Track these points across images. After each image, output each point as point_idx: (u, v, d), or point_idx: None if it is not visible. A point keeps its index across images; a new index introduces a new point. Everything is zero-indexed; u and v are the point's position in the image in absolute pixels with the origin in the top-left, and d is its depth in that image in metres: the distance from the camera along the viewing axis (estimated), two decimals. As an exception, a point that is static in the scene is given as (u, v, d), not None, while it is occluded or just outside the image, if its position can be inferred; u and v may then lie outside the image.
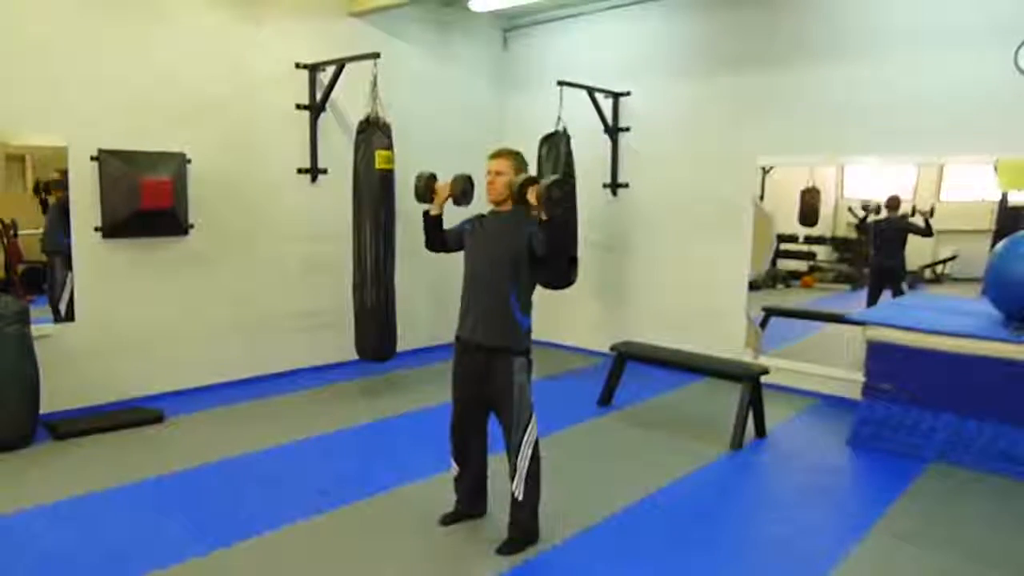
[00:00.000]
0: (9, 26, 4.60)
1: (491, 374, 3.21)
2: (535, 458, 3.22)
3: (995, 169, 4.89)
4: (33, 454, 4.29)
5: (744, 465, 4.42)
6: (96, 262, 5.02)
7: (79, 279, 4.97)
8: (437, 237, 3.40)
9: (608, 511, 3.64)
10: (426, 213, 3.39)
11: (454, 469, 3.47)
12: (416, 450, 4.43)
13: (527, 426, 3.19)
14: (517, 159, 3.29)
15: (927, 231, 5.82)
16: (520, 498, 3.21)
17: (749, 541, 3.47)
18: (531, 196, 3.07)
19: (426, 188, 3.34)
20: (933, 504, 3.84)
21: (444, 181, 3.35)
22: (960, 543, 3.42)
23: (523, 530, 3.26)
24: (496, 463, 3.47)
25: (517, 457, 3.19)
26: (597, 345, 6.77)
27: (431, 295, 6.91)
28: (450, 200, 3.35)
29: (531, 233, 3.10)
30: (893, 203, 5.96)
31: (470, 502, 3.51)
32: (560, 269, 3.17)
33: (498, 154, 3.29)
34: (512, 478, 3.21)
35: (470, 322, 3.26)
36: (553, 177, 3.22)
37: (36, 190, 4.90)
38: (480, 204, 3.33)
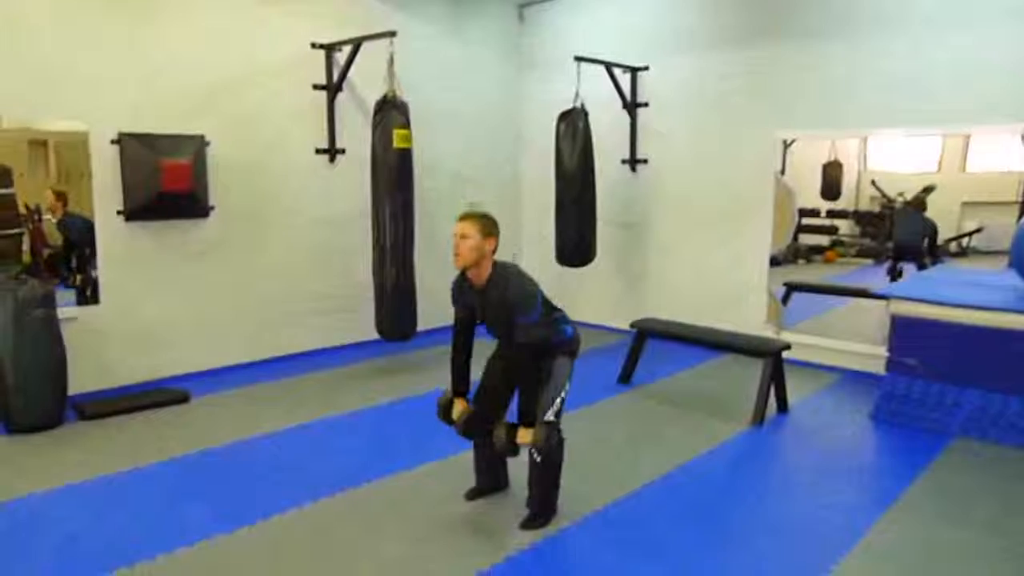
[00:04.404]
0: (26, 13, 4.62)
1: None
2: (556, 431, 3.18)
3: (1023, 139, 4.79)
4: (62, 435, 4.38)
5: (765, 441, 4.41)
6: (119, 245, 5.08)
7: (103, 262, 5.04)
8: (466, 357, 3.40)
9: (629, 488, 3.65)
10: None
11: (475, 443, 3.50)
12: (439, 428, 4.43)
13: (554, 402, 3.15)
14: (484, 223, 3.12)
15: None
16: (539, 459, 3.17)
17: (770, 518, 3.46)
18: (523, 440, 3.12)
19: (444, 413, 3.39)
20: (957, 480, 3.80)
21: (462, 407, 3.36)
22: (985, 519, 3.39)
23: (543, 505, 3.28)
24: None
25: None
26: (616, 322, 6.75)
27: (451, 273, 6.89)
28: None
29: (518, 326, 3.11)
30: (917, 202, 5.86)
31: (491, 476, 3.54)
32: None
33: (464, 217, 3.15)
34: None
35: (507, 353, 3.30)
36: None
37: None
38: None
